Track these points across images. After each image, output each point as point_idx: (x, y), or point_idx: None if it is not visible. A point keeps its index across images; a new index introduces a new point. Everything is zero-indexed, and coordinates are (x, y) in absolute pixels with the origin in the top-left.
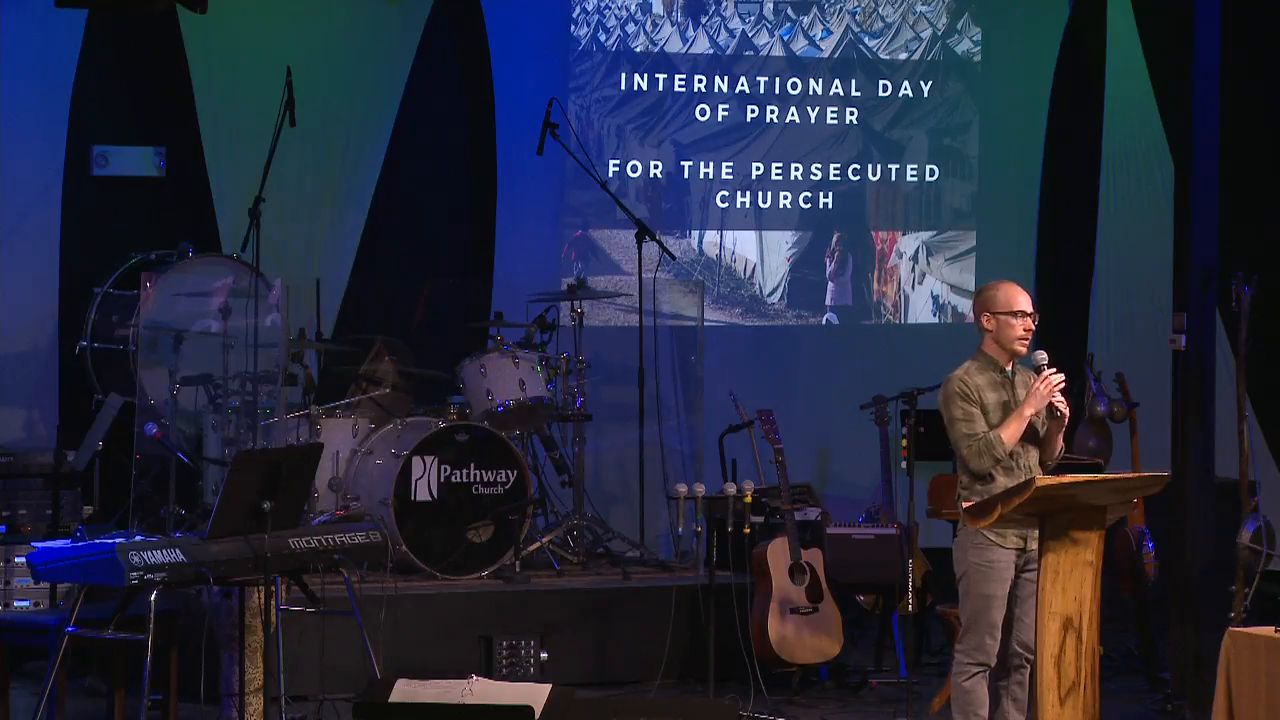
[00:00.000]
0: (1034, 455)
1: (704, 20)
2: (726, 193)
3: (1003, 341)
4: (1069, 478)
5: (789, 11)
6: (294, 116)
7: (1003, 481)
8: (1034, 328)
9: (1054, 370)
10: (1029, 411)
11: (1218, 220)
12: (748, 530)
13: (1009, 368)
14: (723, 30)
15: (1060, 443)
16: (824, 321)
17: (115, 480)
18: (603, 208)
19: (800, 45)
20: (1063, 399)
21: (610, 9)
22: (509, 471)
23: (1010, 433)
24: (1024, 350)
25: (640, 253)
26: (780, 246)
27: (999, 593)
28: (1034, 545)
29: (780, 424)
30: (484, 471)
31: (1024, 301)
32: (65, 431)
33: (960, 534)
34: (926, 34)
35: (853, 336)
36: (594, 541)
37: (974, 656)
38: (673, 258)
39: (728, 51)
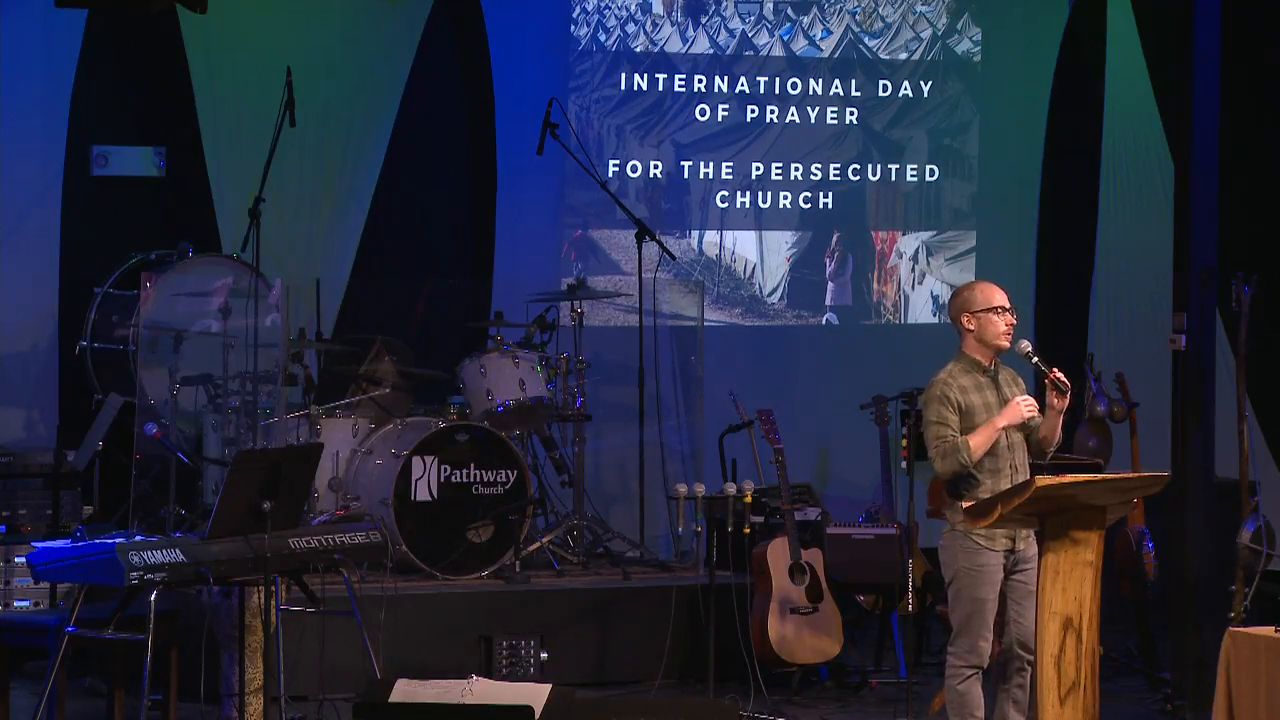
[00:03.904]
0: (1021, 453)
1: (704, 20)
2: (726, 193)
3: (986, 339)
4: (1069, 478)
5: (789, 11)
6: (294, 116)
7: (988, 483)
8: (1015, 322)
9: (1056, 370)
10: (1001, 424)
11: (1218, 220)
12: (748, 530)
13: (991, 366)
14: (723, 30)
15: (1059, 431)
16: (824, 321)
17: (115, 480)
18: (603, 208)
19: (800, 45)
20: (1063, 379)
21: (610, 9)
22: (509, 471)
23: (979, 441)
24: (1008, 344)
25: (640, 253)
26: (780, 246)
27: (990, 595)
28: (1023, 546)
29: (780, 424)
30: (484, 471)
31: (1001, 297)
32: (65, 431)
33: (946, 537)
34: (926, 34)
35: (853, 336)
36: (594, 541)
37: (967, 659)
38: (673, 258)
39: (728, 51)
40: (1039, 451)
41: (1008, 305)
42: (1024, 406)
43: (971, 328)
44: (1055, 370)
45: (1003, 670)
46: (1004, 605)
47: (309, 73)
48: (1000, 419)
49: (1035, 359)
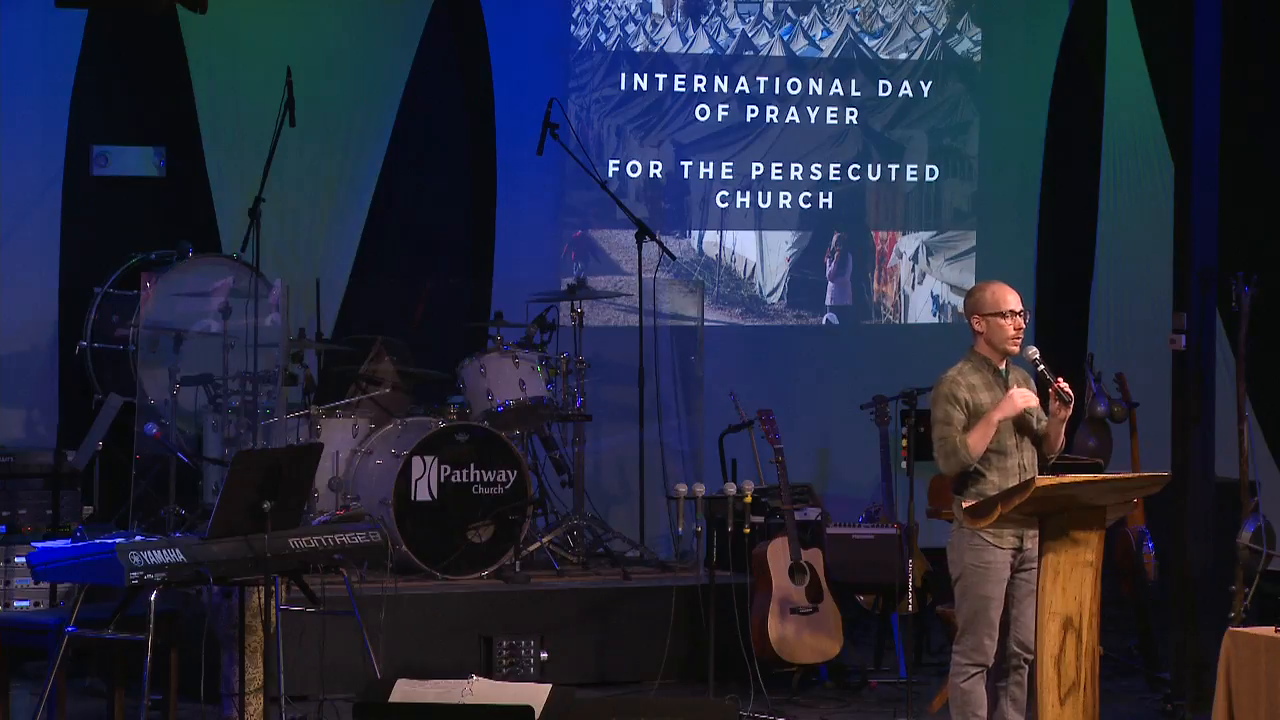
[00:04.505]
0: (1029, 454)
1: (704, 20)
2: (726, 193)
3: (994, 342)
4: (1069, 478)
5: (789, 11)
6: (294, 116)
7: (995, 481)
8: (1024, 326)
9: (1060, 380)
10: (997, 418)
11: (1218, 220)
12: (748, 530)
13: (1002, 367)
14: (723, 30)
15: (1062, 437)
16: (824, 321)
17: (115, 480)
18: (603, 208)
19: (800, 45)
20: (1067, 389)
21: (610, 9)
22: (509, 471)
23: (976, 439)
24: (1016, 349)
25: (640, 253)
26: (780, 246)
27: (996, 593)
28: (1030, 544)
29: (780, 424)
30: (484, 471)
31: (1013, 301)
32: (65, 431)
33: (955, 534)
34: (926, 34)
35: (853, 336)
36: (594, 541)
37: (972, 657)
38: (673, 258)
39: (728, 51)
40: (1042, 457)
41: (1019, 309)
42: (1018, 398)
43: (981, 330)
44: (1060, 380)
45: (1000, 668)
46: (1006, 603)
47: (309, 73)
48: (995, 413)
49: (1041, 366)
